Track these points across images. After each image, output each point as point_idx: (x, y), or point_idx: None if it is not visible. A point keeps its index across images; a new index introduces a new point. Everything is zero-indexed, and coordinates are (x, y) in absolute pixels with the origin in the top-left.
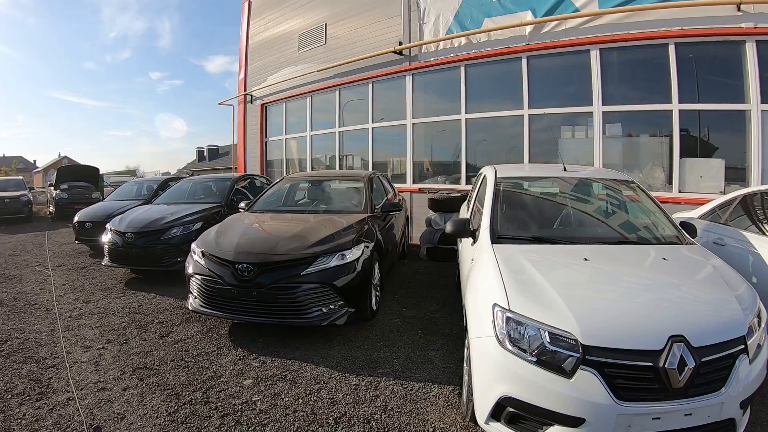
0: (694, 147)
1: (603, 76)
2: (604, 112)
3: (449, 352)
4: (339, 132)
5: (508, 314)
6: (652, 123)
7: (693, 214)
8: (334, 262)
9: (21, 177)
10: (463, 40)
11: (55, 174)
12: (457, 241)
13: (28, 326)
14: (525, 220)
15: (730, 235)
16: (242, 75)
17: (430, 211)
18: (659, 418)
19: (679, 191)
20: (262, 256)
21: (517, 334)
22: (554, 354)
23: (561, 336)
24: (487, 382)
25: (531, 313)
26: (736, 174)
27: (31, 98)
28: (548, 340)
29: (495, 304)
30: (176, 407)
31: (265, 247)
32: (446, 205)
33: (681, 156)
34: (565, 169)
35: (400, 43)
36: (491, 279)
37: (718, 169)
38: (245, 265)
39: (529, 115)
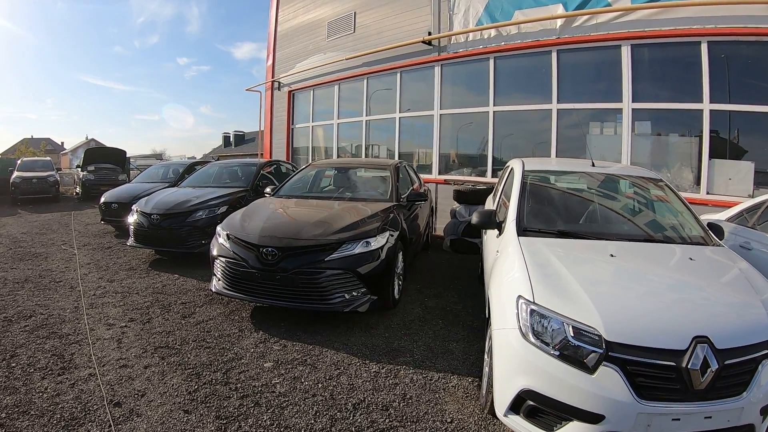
0: (724, 148)
1: (634, 72)
2: (633, 110)
3: (470, 343)
4: (366, 121)
5: (533, 307)
6: (682, 122)
7: (721, 216)
8: (359, 249)
9: (49, 158)
10: (493, 32)
11: (83, 155)
12: (481, 233)
13: (53, 303)
14: (551, 214)
15: (757, 239)
16: (270, 61)
17: (455, 202)
18: (679, 419)
19: (707, 193)
20: (286, 240)
21: (540, 327)
22: (577, 349)
23: (585, 331)
24: (507, 374)
25: (556, 306)
26: (766, 178)
27: (60, 81)
28: (572, 335)
29: (519, 296)
30: (196, 387)
31: (289, 232)
32: (472, 197)
33: (710, 157)
34: (593, 165)
35: (430, 34)
36: (516, 271)
37: (747, 171)
38: (269, 249)
39: (557, 109)
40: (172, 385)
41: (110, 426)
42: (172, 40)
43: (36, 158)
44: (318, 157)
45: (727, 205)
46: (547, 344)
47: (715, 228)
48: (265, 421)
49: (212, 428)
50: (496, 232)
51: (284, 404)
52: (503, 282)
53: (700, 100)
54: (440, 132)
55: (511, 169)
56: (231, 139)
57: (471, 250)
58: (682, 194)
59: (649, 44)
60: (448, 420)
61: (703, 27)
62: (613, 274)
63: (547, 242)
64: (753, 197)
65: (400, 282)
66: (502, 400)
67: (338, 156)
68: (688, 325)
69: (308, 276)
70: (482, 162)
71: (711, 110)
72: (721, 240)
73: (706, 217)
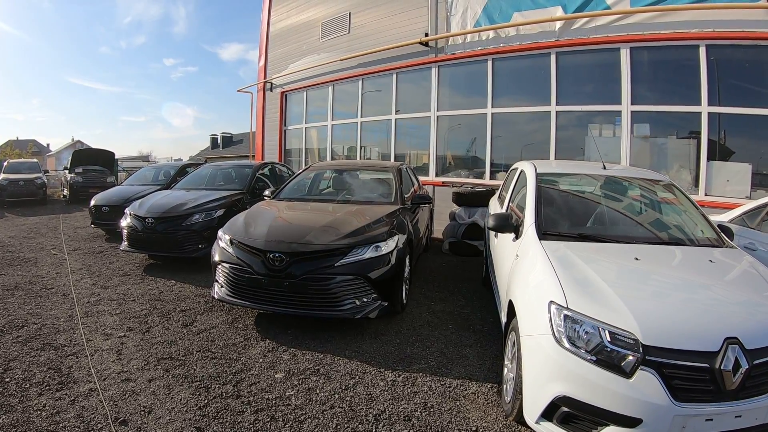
0: (721, 151)
1: (633, 75)
2: (632, 112)
3: (483, 348)
4: (360, 122)
5: (566, 312)
6: (680, 124)
7: (724, 218)
8: (369, 253)
9: (36, 160)
10: (491, 34)
11: (70, 157)
12: (486, 236)
13: (45, 311)
14: (569, 217)
15: (762, 240)
16: (262, 62)
17: (454, 205)
18: (712, 420)
19: (706, 194)
20: (294, 245)
21: (574, 333)
22: (614, 353)
23: (621, 335)
24: (540, 380)
25: (590, 311)
26: (763, 180)
27: (46, 82)
28: (608, 339)
29: (551, 302)
30: (206, 401)
31: (297, 237)
32: (471, 199)
33: (708, 159)
34: (604, 167)
35: (427, 35)
36: (544, 276)
37: (744, 173)
38: (277, 254)
39: (556, 111)
40: (180, 399)
41: None
42: (158, 41)
43: (23, 160)
44: (311, 159)
45: (726, 207)
46: (583, 350)
47: (726, 230)
48: None
49: None
50: (510, 235)
51: (302, 418)
52: (529, 287)
53: (699, 103)
54: (437, 134)
55: (521, 171)
56: (219, 141)
57: (471, 253)
58: None
59: (648, 47)
60: (473, 428)
61: (702, 31)
62: (640, 278)
63: (570, 246)
64: (750, 198)
65: (407, 286)
66: (534, 407)
67: (332, 158)
68: (719, 327)
69: (318, 282)
70: (479, 164)
71: (709, 113)
72: (731, 241)
73: (712, 219)
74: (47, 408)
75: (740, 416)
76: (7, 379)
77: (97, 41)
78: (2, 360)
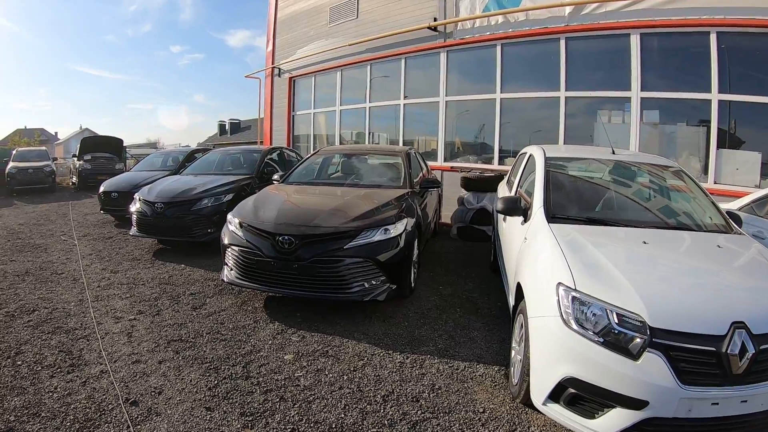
0: (731, 139)
1: (643, 61)
2: (642, 98)
3: (491, 331)
4: (368, 108)
5: (574, 294)
6: (690, 112)
7: (732, 206)
8: (378, 236)
9: (45, 148)
10: (500, 19)
11: (79, 144)
12: (496, 220)
13: (56, 296)
14: (577, 201)
15: None
16: (270, 48)
17: (463, 190)
18: (718, 404)
19: (715, 182)
20: (303, 228)
21: (582, 314)
22: (621, 335)
23: (628, 317)
24: (548, 362)
25: (598, 293)
26: None
27: (52, 71)
28: (616, 321)
29: (559, 284)
30: (216, 382)
31: (306, 220)
32: (480, 184)
33: (718, 147)
34: (613, 152)
35: (435, 20)
36: (552, 258)
37: (754, 162)
38: (286, 237)
39: (565, 97)
40: (190, 380)
41: (129, 426)
42: (164, 28)
43: (31, 148)
44: (320, 145)
45: (735, 195)
46: (590, 331)
47: (734, 217)
48: (293, 416)
49: (238, 426)
50: (519, 219)
51: (311, 398)
52: (538, 269)
53: (709, 90)
54: (446, 119)
55: (530, 155)
56: (227, 128)
57: (479, 238)
58: None
59: (658, 33)
60: (480, 410)
61: (712, 17)
62: (649, 261)
63: (578, 229)
64: (760, 187)
65: (416, 270)
66: (540, 388)
67: (341, 143)
68: (726, 311)
69: (327, 264)
70: (488, 149)
71: (719, 100)
72: (740, 228)
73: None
74: (59, 390)
75: (746, 401)
76: (19, 362)
77: (103, 29)
78: (14, 343)
